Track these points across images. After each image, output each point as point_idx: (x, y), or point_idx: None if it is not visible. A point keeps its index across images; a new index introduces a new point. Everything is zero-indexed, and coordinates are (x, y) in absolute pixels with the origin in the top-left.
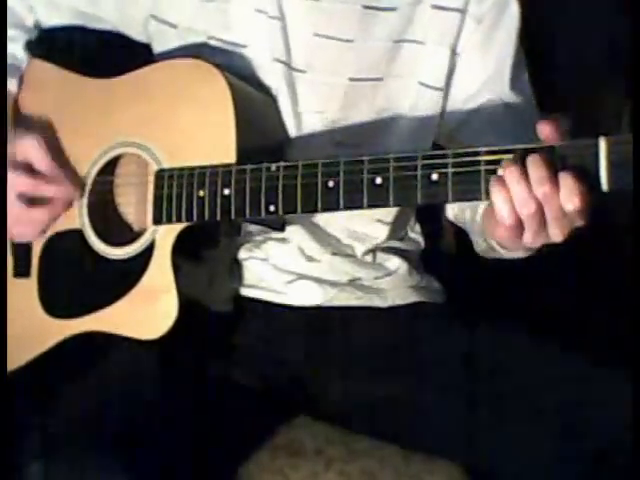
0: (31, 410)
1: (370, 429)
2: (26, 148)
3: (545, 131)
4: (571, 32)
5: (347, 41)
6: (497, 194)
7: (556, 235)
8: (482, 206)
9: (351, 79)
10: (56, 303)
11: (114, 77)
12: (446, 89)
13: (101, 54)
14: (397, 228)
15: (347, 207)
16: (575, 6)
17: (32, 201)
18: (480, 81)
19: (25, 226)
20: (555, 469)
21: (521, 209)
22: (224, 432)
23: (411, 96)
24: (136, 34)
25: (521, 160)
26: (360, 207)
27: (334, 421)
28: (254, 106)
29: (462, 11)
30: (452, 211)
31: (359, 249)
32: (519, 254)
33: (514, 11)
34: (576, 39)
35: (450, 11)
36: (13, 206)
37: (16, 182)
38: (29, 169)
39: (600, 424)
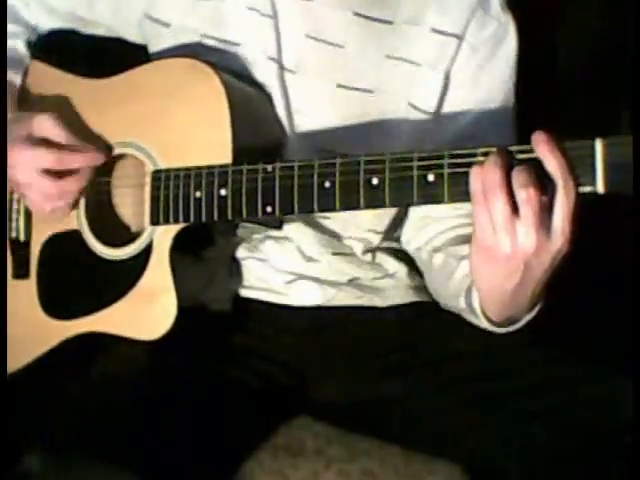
0: (31, 411)
1: (370, 429)
2: (42, 124)
3: (540, 142)
4: (571, 32)
5: (337, 46)
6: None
7: (527, 237)
8: (462, 266)
9: (339, 85)
10: (55, 304)
11: (109, 77)
12: (436, 114)
13: (97, 55)
14: (392, 230)
15: (343, 208)
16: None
17: (59, 174)
18: (466, 111)
19: (58, 200)
20: (555, 469)
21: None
22: (224, 432)
23: (400, 115)
24: (132, 36)
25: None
26: (357, 208)
27: (334, 421)
28: (249, 104)
29: (460, 37)
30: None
31: (358, 248)
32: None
33: (511, 47)
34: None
35: (448, 36)
36: (41, 183)
37: (39, 160)
38: (48, 144)
39: (600, 424)
